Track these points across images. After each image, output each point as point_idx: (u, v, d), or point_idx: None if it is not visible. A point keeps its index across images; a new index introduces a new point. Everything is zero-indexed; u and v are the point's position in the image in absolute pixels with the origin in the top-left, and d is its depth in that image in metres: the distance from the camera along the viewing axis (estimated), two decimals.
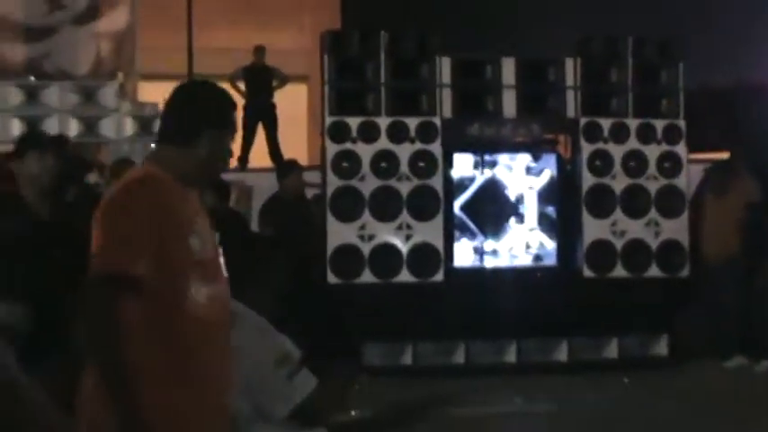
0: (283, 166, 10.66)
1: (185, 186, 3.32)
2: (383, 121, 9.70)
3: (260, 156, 14.27)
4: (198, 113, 3.36)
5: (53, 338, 4.89)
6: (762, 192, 10.38)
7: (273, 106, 14.51)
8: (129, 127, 9.02)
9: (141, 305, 3.08)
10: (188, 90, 3.55)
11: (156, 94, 10.72)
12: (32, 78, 12.89)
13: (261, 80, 14.22)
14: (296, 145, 16.72)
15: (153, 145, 3.59)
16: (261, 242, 9.29)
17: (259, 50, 14.33)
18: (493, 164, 10.17)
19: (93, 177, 9.04)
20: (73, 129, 11.73)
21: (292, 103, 17.73)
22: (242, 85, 14.18)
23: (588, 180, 10.04)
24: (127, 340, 3.01)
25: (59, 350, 4.68)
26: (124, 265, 3.06)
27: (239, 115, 3.77)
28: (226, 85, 9.37)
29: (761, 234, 10.02)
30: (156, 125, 9.24)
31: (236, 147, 2.97)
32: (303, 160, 14.80)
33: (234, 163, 12.82)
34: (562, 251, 10.08)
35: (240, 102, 12.31)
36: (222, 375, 3.28)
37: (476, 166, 10.14)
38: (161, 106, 10.09)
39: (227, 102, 3.43)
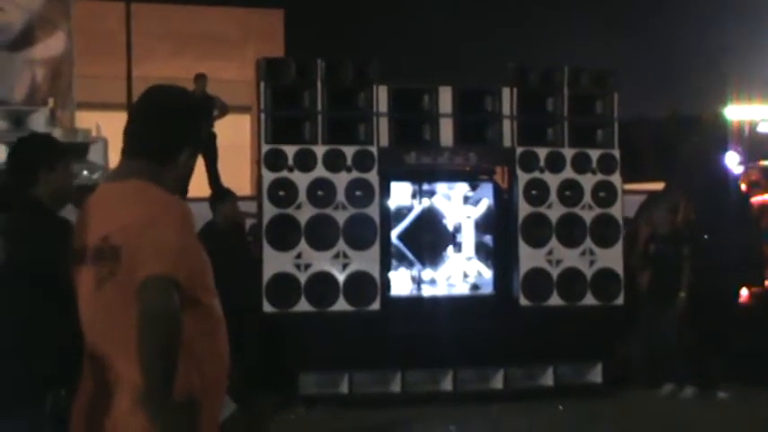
0: (217, 194, 10.59)
1: None
2: (320, 150, 9.68)
3: (200, 186, 14.18)
4: (183, 131, 3.22)
5: None
6: (696, 220, 10.49)
7: (214, 136, 14.43)
8: None
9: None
10: (168, 103, 3.24)
11: (94, 122, 10.67)
12: None
13: None
14: (240, 175, 16.71)
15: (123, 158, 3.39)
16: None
17: (200, 79, 14.21)
18: (431, 193, 10.21)
19: None
20: (2, 154, 11.63)
21: (236, 133, 17.73)
22: None
23: (524, 209, 10.09)
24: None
25: None
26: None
27: None
28: None
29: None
30: (91, 152, 9.16)
31: None
32: (246, 190, 14.80)
33: None
34: (499, 280, 10.10)
35: None
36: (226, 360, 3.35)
37: (413, 195, 10.16)
38: (94, 133, 9.95)
39: (204, 116, 3.38)
